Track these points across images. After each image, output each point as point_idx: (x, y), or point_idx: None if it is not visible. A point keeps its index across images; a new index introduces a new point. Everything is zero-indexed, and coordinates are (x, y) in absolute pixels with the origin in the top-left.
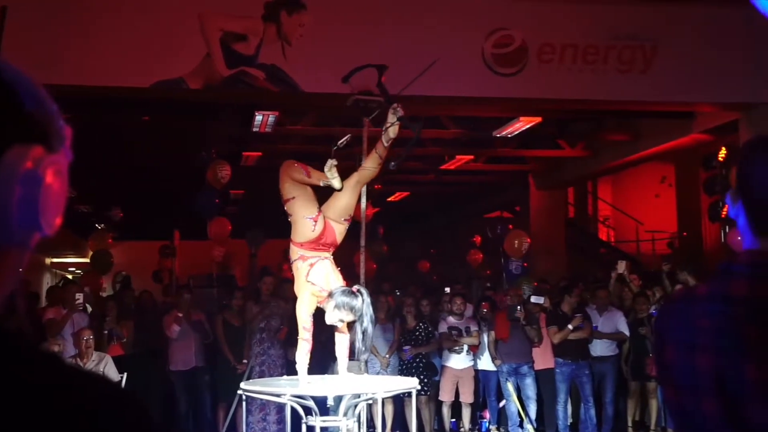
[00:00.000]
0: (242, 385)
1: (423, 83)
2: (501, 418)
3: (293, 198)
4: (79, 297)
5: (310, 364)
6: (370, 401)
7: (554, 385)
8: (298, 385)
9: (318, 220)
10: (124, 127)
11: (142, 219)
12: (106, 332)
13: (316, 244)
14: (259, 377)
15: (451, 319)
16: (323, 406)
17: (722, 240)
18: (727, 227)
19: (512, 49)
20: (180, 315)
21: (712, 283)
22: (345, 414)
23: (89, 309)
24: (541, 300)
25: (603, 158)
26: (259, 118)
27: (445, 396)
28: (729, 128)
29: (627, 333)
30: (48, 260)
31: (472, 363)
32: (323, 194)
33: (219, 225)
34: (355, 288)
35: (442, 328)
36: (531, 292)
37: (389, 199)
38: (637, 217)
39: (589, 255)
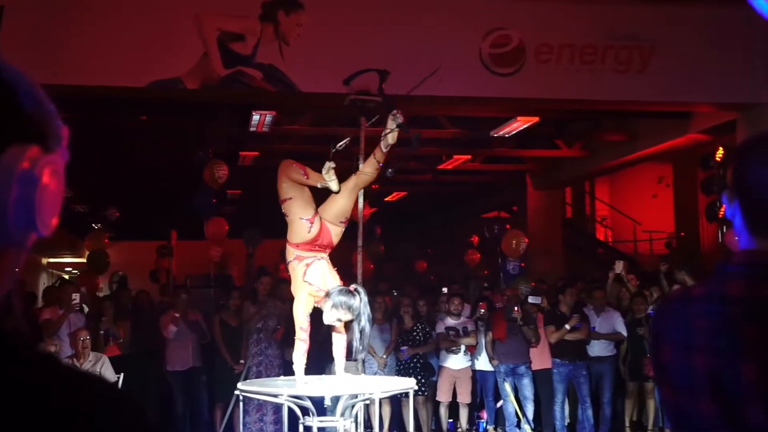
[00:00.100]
0: (239, 385)
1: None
2: (498, 418)
3: (290, 198)
4: (76, 297)
5: (307, 364)
6: (368, 401)
7: (552, 386)
8: (295, 386)
9: (314, 221)
10: (121, 126)
11: (139, 219)
12: (102, 332)
13: (312, 245)
14: (257, 377)
15: (449, 320)
16: (320, 407)
17: (720, 240)
18: (724, 227)
19: (510, 49)
20: (177, 315)
21: (709, 283)
22: (342, 414)
23: (86, 309)
24: (538, 300)
25: (600, 158)
26: (256, 117)
27: (443, 396)
28: (726, 128)
29: (624, 333)
30: (44, 260)
31: (469, 363)
32: (321, 195)
33: (216, 225)
34: (352, 287)
35: (440, 328)
36: (528, 292)
37: (386, 198)
38: (635, 217)
39: (586, 255)
